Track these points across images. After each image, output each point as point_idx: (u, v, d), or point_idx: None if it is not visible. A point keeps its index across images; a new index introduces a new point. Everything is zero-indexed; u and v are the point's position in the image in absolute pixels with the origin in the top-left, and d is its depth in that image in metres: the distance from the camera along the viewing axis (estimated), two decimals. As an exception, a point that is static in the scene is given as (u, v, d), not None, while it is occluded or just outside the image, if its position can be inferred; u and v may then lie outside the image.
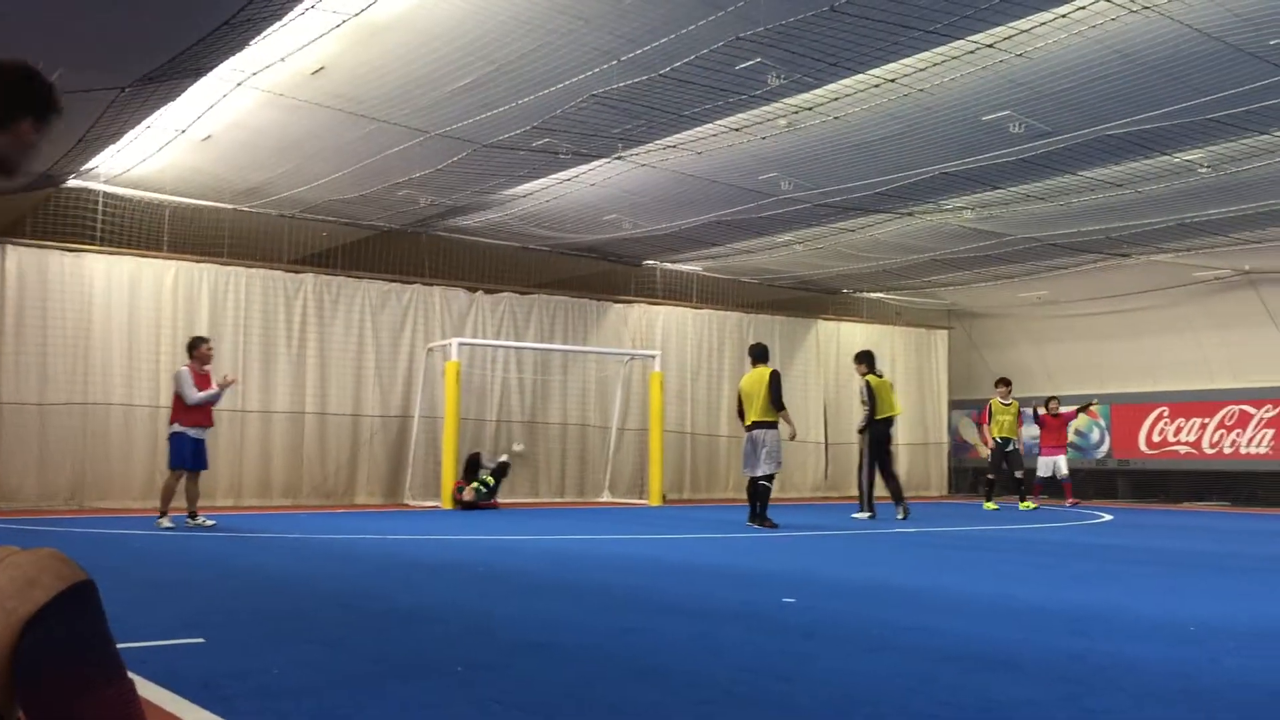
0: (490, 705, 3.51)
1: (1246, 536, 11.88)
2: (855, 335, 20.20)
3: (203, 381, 11.10)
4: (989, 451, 17.12)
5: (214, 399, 11.14)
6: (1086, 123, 10.29)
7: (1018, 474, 16.39)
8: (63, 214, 13.86)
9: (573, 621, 5.30)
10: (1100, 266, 17.13)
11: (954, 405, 22.25)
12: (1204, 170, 11.68)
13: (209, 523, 11.01)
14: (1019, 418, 16.88)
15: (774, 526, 11.79)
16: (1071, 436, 18.85)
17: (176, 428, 11.02)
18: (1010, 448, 16.56)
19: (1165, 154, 11.20)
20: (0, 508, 12.86)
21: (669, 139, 11.21)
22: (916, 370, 21.60)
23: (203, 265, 14.71)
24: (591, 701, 3.60)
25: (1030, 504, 16.02)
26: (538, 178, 12.97)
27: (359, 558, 8.60)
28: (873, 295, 21.12)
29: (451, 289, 16.65)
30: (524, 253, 17.19)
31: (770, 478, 12.20)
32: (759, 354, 12.65)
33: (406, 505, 15.60)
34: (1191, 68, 8.84)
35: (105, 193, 13.90)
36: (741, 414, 12.51)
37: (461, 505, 14.84)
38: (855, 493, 14.78)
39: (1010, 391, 16.94)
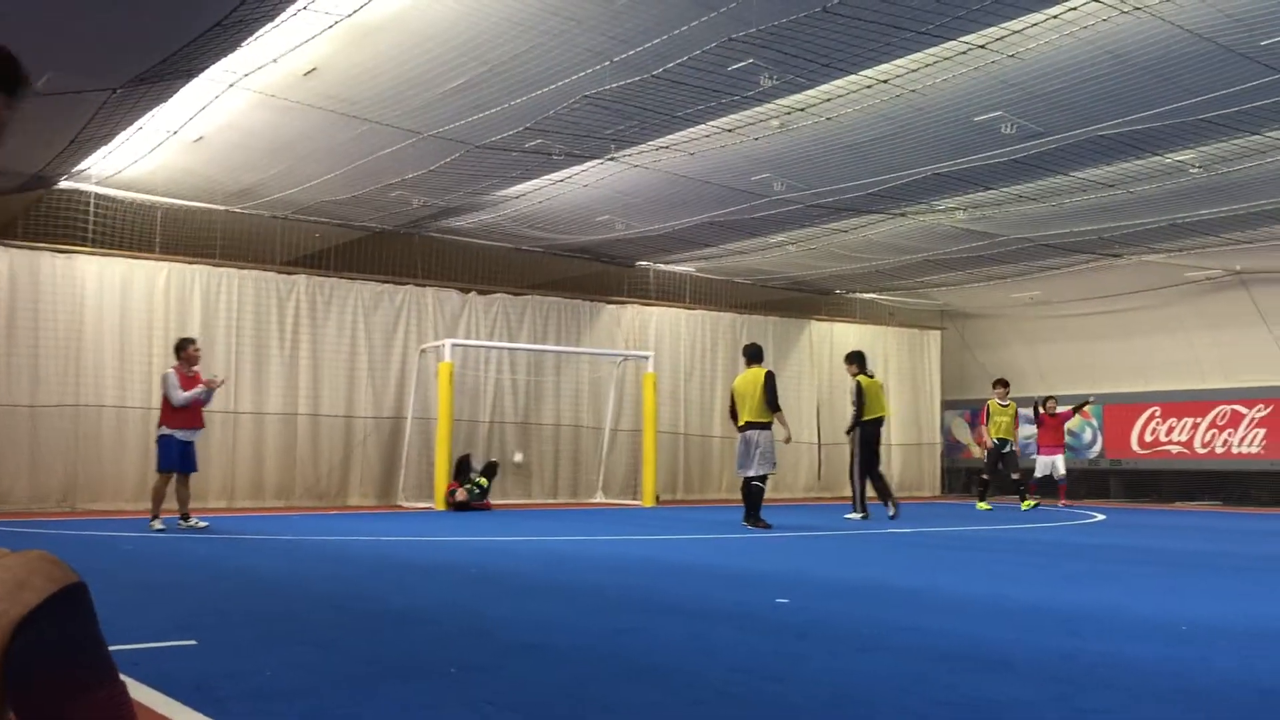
0: (484, 706, 3.51)
1: (1238, 536, 11.91)
2: (848, 336, 20.21)
3: (190, 383, 11.02)
4: (985, 452, 17.13)
5: (203, 399, 11.05)
6: (1078, 123, 10.32)
7: (1014, 475, 16.39)
8: (54, 215, 13.82)
9: (566, 622, 5.30)
10: (1092, 267, 17.16)
11: (946, 406, 22.28)
12: (1195, 171, 11.72)
13: (201, 524, 10.97)
14: (1016, 419, 16.90)
15: (767, 527, 11.80)
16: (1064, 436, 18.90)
17: (164, 430, 10.97)
18: (1007, 449, 16.57)
19: (1157, 154, 11.23)
20: (-8, 510, 12.84)
21: (662, 140, 11.21)
22: (909, 371, 21.62)
23: (195, 267, 14.68)
24: (585, 702, 3.60)
25: (1031, 502, 16.02)
26: (531, 179, 12.96)
27: (352, 559, 8.59)
28: (866, 296, 21.15)
29: (444, 290, 16.64)
30: (517, 254, 17.18)
31: (763, 479, 12.21)
32: (753, 354, 12.65)
33: (400, 507, 15.58)
34: (1183, 68, 8.87)
35: (97, 194, 13.87)
36: (734, 414, 12.51)
37: (455, 506, 14.83)
38: (848, 493, 14.78)
39: (1008, 392, 16.96)
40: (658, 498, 16.98)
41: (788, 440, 12.76)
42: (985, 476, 16.87)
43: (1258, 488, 18.61)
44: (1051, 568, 8.44)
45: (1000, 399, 16.74)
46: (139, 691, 3.50)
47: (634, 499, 17.31)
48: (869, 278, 19.25)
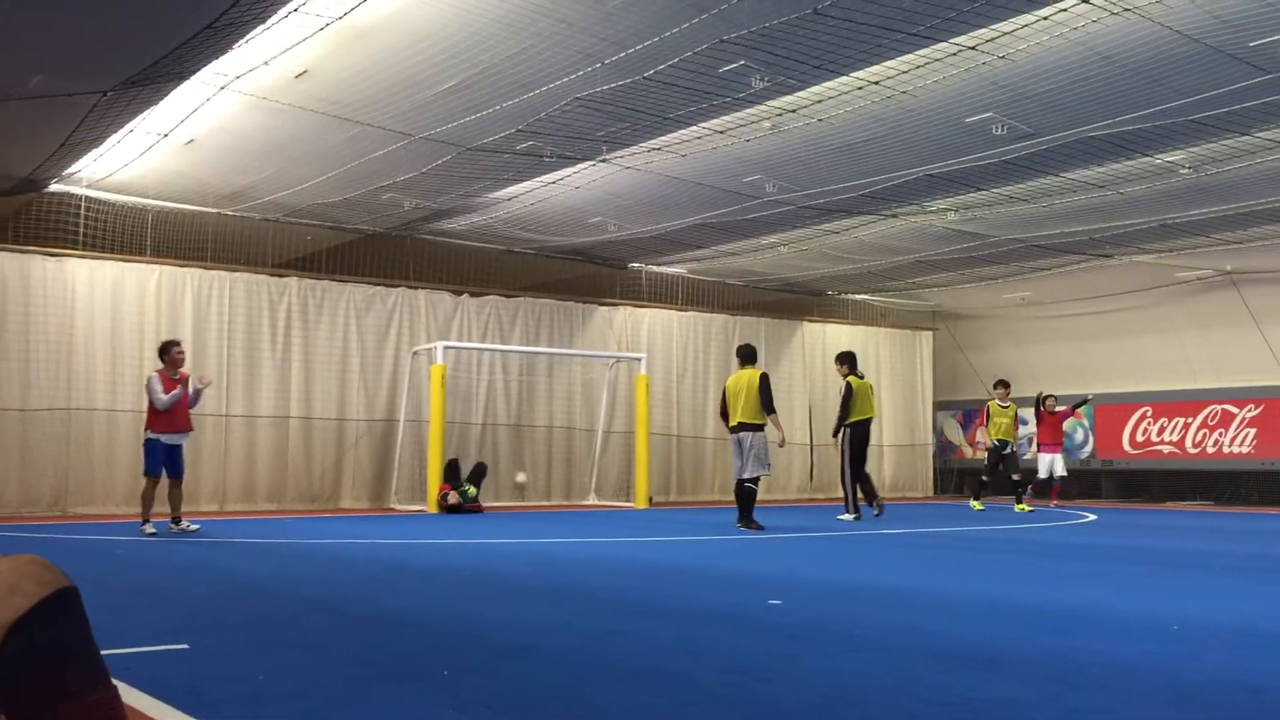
0: (477, 708, 3.51)
1: (1229, 535, 11.95)
2: (840, 337, 20.24)
3: (173, 386, 10.91)
4: (985, 452, 17.14)
5: (191, 400, 10.95)
6: (1068, 124, 10.35)
7: (1014, 476, 16.40)
8: (45, 218, 13.79)
9: (559, 624, 5.30)
10: (1083, 267, 17.21)
11: (939, 406, 22.32)
12: (1185, 171, 11.76)
13: (193, 527, 10.94)
14: (1017, 420, 16.91)
15: (760, 528, 11.80)
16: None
17: (149, 435, 10.91)
18: (1008, 450, 16.57)
19: (1147, 155, 11.26)
20: (-17, 514, 12.80)
21: (653, 141, 11.22)
22: (901, 372, 21.66)
23: (186, 269, 14.65)
24: (578, 703, 3.60)
25: (1025, 507, 16.04)
26: (523, 180, 12.96)
27: (345, 562, 8.58)
28: (858, 297, 21.18)
29: (436, 292, 16.63)
30: (509, 256, 17.17)
31: (756, 480, 12.22)
32: (747, 355, 12.65)
33: (392, 509, 15.56)
34: (1172, 69, 8.90)
35: (88, 197, 13.84)
36: (724, 414, 12.51)
37: (447, 509, 14.82)
38: (840, 495, 14.81)
39: (1009, 393, 16.94)
40: (650, 499, 16.99)
41: (782, 444, 12.79)
42: (985, 478, 16.86)
43: (1248, 487, 18.67)
44: (1043, 568, 8.46)
45: (1001, 400, 16.73)
46: (131, 696, 3.49)
47: (627, 501, 17.31)
48: (861, 279, 19.28)
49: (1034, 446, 18.05)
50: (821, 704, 3.62)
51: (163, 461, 10.84)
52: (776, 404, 12.45)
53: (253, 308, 15.08)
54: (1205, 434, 18.71)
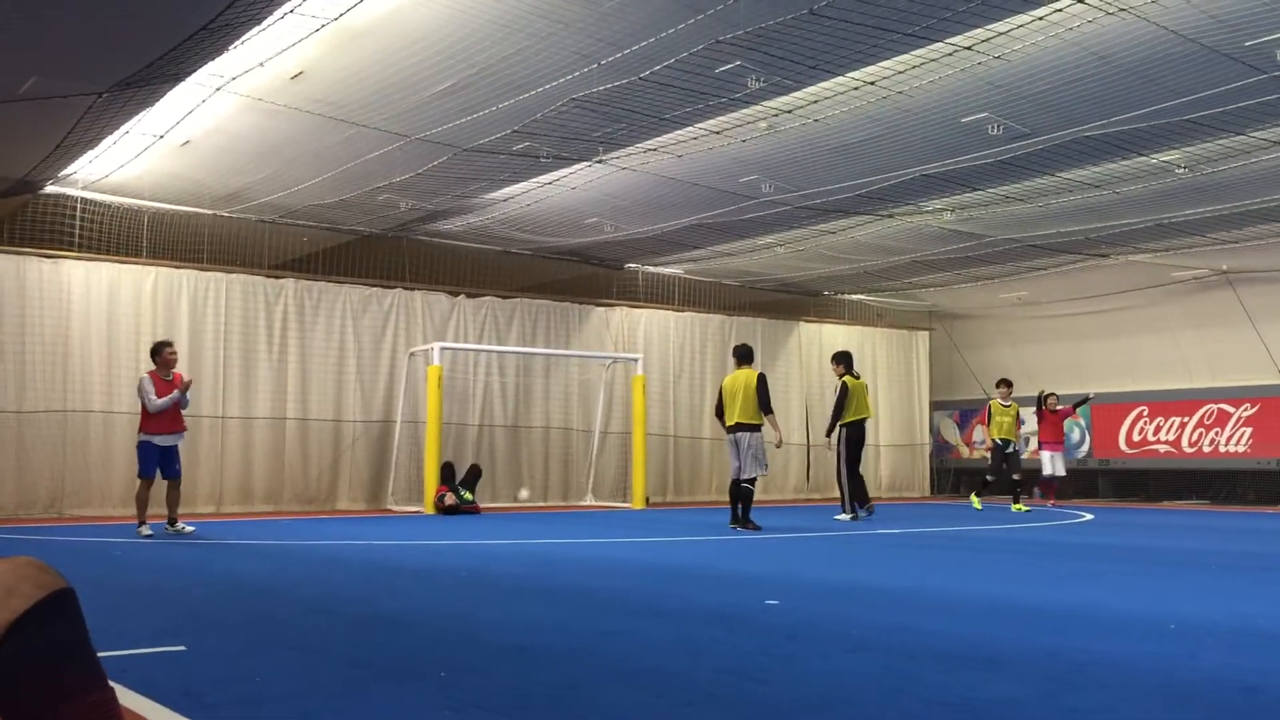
0: (473, 709, 3.51)
1: (1226, 534, 11.96)
2: (837, 337, 20.25)
3: (166, 387, 10.86)
4: (985, 453, 17.12)
5: (180, 403, 10.89)
6: (1064, 124, 10.36)
7: (1015, 476, 16.41)
8: (40, 220, 13.77)
9: (556, 624, 5.30)
10: (1079, 267, 17.23)
11: (935, 406, 22.33)
12: (1181, 171, 11.77)
13: (188, 529, 10.90)
14: (1019, 419, 16.90)
15: (757, 529, 11.81)
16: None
17: (142, 436, 10.87)
18: (1010, 449, 16.57)
19: (1143, 155, 11.28)
20: (-21, 516, 12.78)
21: (649, 142, 11.23)
22: (898, 372, 21.67)
23: (182, 271, 14.64)
24: (575, 704, 3.60)
25: (1022, 507, 16.06)
26: (519, 181, 12.96)
27: (342, 563, 8.57)
28: (854, 297, 21.19)
29: (433, 293, 16.62)
30: (505, 256, 17.17)
31: (753, 480, 12.22)
32: (744, 355, 12.64)
33: (389, 510, 15.56)
34: (1168, 69, 8.91)
35: (83, 199, 13.82)
36: (720, 413, 12.52)
37: (444, 510, 14.81)
38: (837, 495, 14.82)
39: (1011, 392, 16.93)
40: (647, 500, 16.99)
41: (779, 444, 12.79)
42: (990, 477, 16.81)
43: (1244, 486, 18.69)
44: (1041, 567, 8.47)
45: (1003, 399, 16.72)
46: (127, 698, 3.49)
47: (624, 501, 17.31)
48: (857, 279, 19.29)
49: (1031, 445, 18.06)
50: (818, 704, 3.62)
51: (157, 463, 10.81)
52: (773, 404, 12.45)
53: (249, 309, 15.07)
54: (1201, 433, 18.73)
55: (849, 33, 8.23)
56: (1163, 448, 19.24)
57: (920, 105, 9.96)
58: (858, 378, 14.68)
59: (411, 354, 16.18)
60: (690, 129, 10.75)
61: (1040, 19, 8.11)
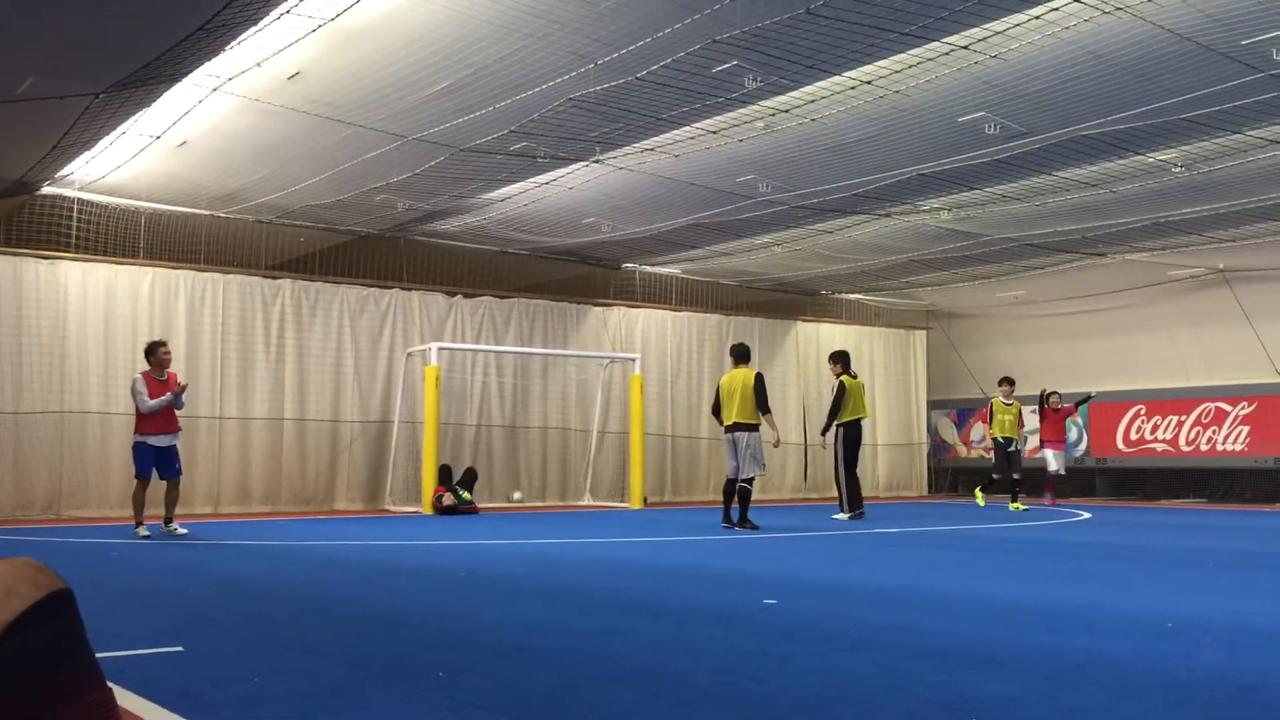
0: (471, 709, 3.51)
1: (1223, 533, 11.97)
2: (834, 336, 20.26)
3: (160, 387, 10.81)
4: (986, 451, 17.09)
5: (175, 404, 10.83)
6: (1061, 123, 10.37)
7: (1015, 475, 16.40)
8: (37, 221, 13.76)
9: (554, 624, 5.30)
10: (1076, 266, 17.24)
11: (933, 405, 22.34)
12: (1178, 170, 11.78)
13: (181, 531, 10.84)
14: (1020, 418, 16.88)
15: (755, 528, 11.81)
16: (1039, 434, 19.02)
17: (137, 437, 10.83)
18: (1012, 448, 16.55)
19: (1139, 154, 11.29)
20: (-24, 518, 12.77)
21: (646, 142, 11.23)
22: (895, 371, 21.68)
23: (179, 271, 14.63)
24: (573, 703, 3.60)
25: (1020, 506, 16.07)
26: (516, 181, 12.96)
27: (339, 564, 8.57)
28: (851, 296, 21.20)
29: (430, 293, 16.62)
30: (503, 256, 17.17)
31: (751, 480, 12.22)
32: (741, 354, 12.64)
33: (387, 511, 15.55)
34: (1164, 68, 8.92)
35: (80, 199, 13.81)
36: (717, 411, 12.52)
37: (442, 510, 14.81)
38: (835, 494, 14.83)
39: (1013, 391, 16.89)
40: (645, 499, 16.99)
41: (777, 444, 12.78)
42: (996, 475, 16.72)
43: (1242, 485, 18.71)
44: (1038, 566, 8.47)
45: (1005, 397, 16.69)
46: (126, 699, 3.49)
47: (621, 501, 17.31)
48: (854, 278, 19.30)
49: (1029, 444, 18.07)
50: (816, 703, 3.63)
51: (152, 464, 10.78)
52: (771, 403, 12.45)
53: (246, 310, 15.06)
54: (1199, 432, 18.75)
55: (846, 32, 8.23)
56: (1160, 446, 19.26)
57: (917, 105, 9.96)
58: (855, 377, 14.68)
59: (409, 354, 16.18)
60: (687, 129, 10.75)
61: (1037, 18, 8.11)
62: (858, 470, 14.43)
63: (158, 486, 10.96)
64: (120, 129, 10.85)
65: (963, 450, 22.20)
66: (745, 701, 3.64)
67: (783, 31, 8.23)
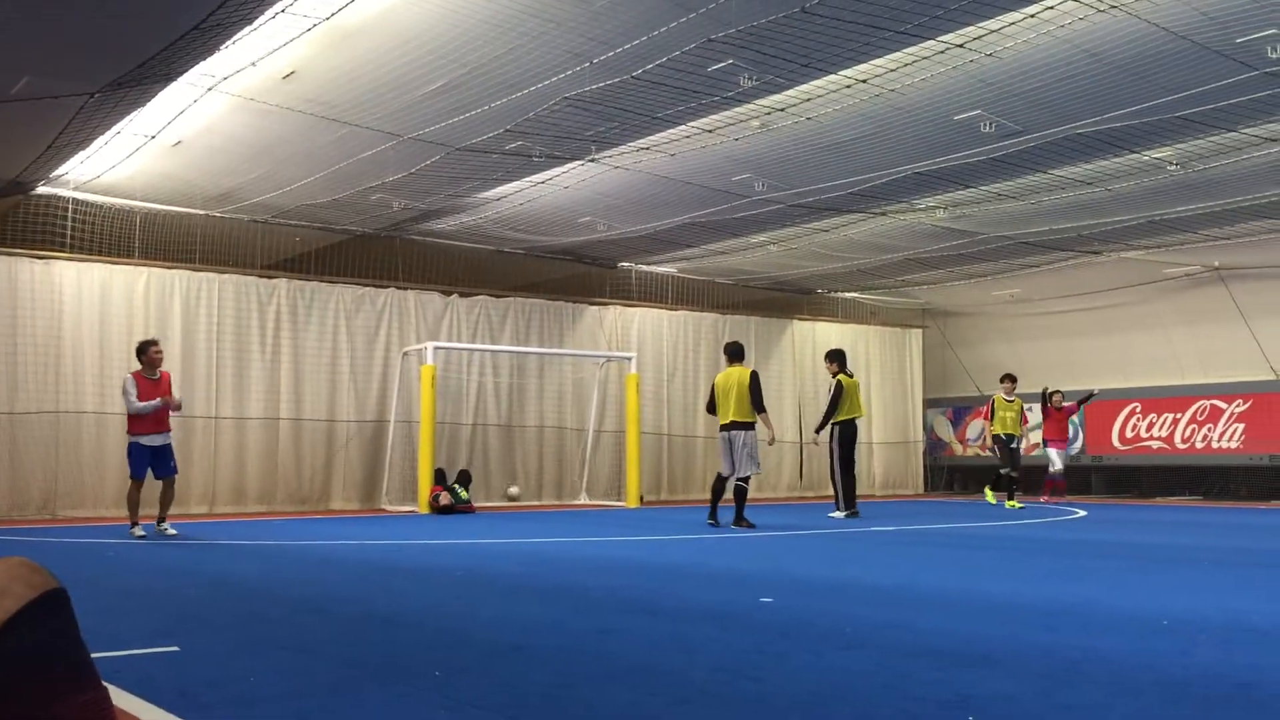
0: (468, 709, 3.51)
1: (1218, 530, 11.99)
2: (830, 335, 20.27)
3: (151, 387, 10.76)
4: (992, 449, 17.03)
5: (154, 409, 10.70)
6: (1056, 121, 10.37)
7: (1014, 473, 16.38)
8: (32, 221, 13.74)
9: (550, 623, 5.30)
10: (1071, 264, 17.26)
11: (929, 404, 22.36)
12: (1173, 168, 11.79)
13: (171, 531, 10.80)
14: (1022, 414, 16.86)
15: (751, 526, 11.82)
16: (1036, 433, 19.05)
17: (130, 437, 10.79)
18: (1014, 444, 16.54)
19: (1134, 152, 11.30)
20: (-29, 518, 12.75)
21: (642, 141, 11.22)
22: (891, 369, 21.70)
23: (174, 271, 14.61)
24: (570, 703, 3.60)
25: (1016, 504, 16.07)
26: (511, 180, 12.96)
27: (335, 563, 8.56)
28: (847, 295, 21.21)
29: (426, 293, 16.61)
30: (499, 256, 17.16)
31: (747, 479, 12.23)
32: (735, 353, 12.64)
33: (383, 510, 15.54)
34: (1159, 66, 8.93)
35: (75, 199, 13.79)
36: (712, 409, 12.52)
37: (438, 510, 14.80)
38: (830, 492, 14.84)
39: (1015, 387, 16.83)
40: (641, 498, 16.99)
41: (771, 442, 12.78)
42: (1003, 471, 16.56)
43: (1237, 482, 18.73)
44: (1033, 564, 8.48)
45: (1006, 394, 16.67)
46: (122, 699, 3.49)
47: (618, 500, 17.31)
48: (850, 277, 19.31)
49: (1027, 441, 18.08)
50: (812, 701, 3.63)
51: (147, 464, 10.76)
52: (766, 402, 12.46)
53: (242, 309, 15.05)
54: (1194, 429, 18.77)
55: (841, 31, 8.23)
56: (1155, 444, 19.28)
57: (912, 103, 9.97)
58: (851, 376, 14.70)
59: (405, 353, 16.17)
60: (683, 127, 10.75)
61: (1032, 16, 8.12)
62: (854, 469, 14.45)
63: (154, 486, 10.94)
64: (115, 128, 10.84)
65: (959, 448, 22.21)
66: (741, 700, 3.65)
67: (778, 30, 8.23)
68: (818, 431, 14.62)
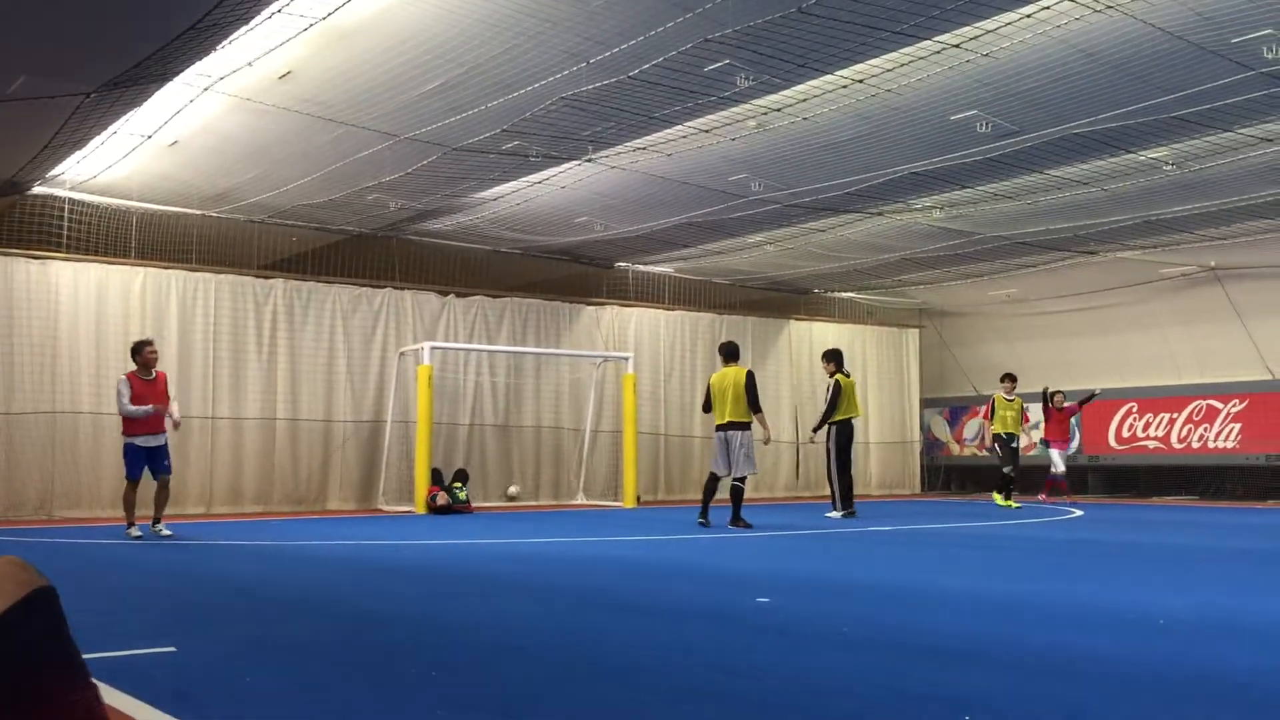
0: (464, 709, 3.51)
1: (1215, 530, 12.01)
2: (827, 335, 20.27)
3: (146, 387, 10.71)
4: (991, 448, 17.00)
5: (147, 415, 10.60)
6: (1052, 122, 10.38)
7: (1011, 472, 16.37)
8: (28, 221, 13.71)
9: (546, 623, 5.30)
10: (1068, 264, 17.27)
11: (926, 404, 22.37)
12: (1169, 168, 11.80)
13: (165, 532, 10.77)
14: (1023, 414, 16.85)
15: (748, 526, 11.82)
16: (1038, 433, 19.06)
17: (125, 439, 10.75)
18: (1014, 444, 16.53)
19: (1130, 152, 11.31)
20: (-33, 518, 12.73)
21: (639, 141, 11.22)
22: (888, 369, 21.71)
23: (171, 271, 14.60)
24: (566, 702, 3.60)
25: (1011, 503, 16.06)
26: (508, 180, 12.95)
27: (332, 563, 8.56)
28: (844, 295, 21.22)
29: (423, 293, 16.60)
30: (495, 256, 17.16)
31: (744, 479, 12.22)
32: (730, 352, 12.63)
33: (380, 510, 15.53)
34: (1155, 66, 8.94)
35: (71, 199, 13.77)
36: (707, 406, 12.52)
37: (435, 510, 14.80)
38: (827, 492, 14.84)
39: (1015, 387, 16.80)
40: (639, 498, 16.99)
41: (766, 441, 12.80)
42: (1006, 469, 16.59)
43: (1233, 482, 18.76)
44: (1030, 563, 8.49)
45: (1006, 394, 16.65)
46: (118, 699, 3.48)
47: (615, 500, 17.31)
48: (847, 277, 19.32)
49: (1025, 440, 18.08)
50: (809, 701, 3.63)
51: (144, 464, 10.73)
52: (762, 402, 12.45)
53: (238, 309, 15.03)
54: (1190, 429, 18.80)
55: (837, 31, 8.24)
56: (1152, 444, 19.31)
57: (909, 103, 9.97)
58: (848, 376, 14.70)
59: (401, 354, 16.16)
60: (679, 127, 10.75)
61: (1028, 16, 8.13)
62: (850, 469, 14.45)
63: (149, 487, 10.91)
64: (111, 128, 10.82)
65: (955, 448, 22.23)
66: (738, 699, 3.65)
67: (775, 30, 8.23)
68: (815, 431, 14.62)
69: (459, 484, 15.41)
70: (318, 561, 8.71)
